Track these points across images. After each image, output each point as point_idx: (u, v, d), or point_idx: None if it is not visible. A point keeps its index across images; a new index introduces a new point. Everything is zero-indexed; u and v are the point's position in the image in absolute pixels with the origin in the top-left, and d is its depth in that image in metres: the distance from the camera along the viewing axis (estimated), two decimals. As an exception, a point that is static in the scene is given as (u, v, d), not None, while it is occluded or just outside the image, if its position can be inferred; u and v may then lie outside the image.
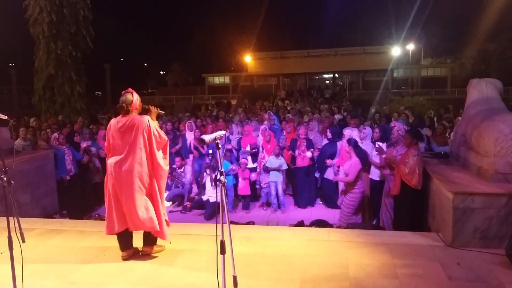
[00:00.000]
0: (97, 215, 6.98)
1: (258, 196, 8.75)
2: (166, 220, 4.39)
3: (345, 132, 7.61)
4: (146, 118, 4.22)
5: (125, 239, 4.32)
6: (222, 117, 12.66)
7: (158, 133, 4.28)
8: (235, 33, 44.45)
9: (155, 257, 4.37)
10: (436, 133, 8.68)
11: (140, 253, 4.39)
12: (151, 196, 4.26)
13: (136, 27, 45.22)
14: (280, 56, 41.43)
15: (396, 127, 6.27)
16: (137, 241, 4.46)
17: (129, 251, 4.34)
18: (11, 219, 2.85)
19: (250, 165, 8.65)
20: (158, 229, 4.23)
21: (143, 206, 4.15)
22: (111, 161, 4.21)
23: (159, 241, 4.48)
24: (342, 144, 7.79)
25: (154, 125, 4.28)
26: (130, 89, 4.32)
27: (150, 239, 4.39)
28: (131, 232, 4.34)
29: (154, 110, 4.43)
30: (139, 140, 4.14)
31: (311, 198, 8.45)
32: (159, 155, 4.27)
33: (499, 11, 28.73)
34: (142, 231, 4.34)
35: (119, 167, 4.13)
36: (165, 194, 8.66)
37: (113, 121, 4.30)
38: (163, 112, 4.69)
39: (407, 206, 5.41)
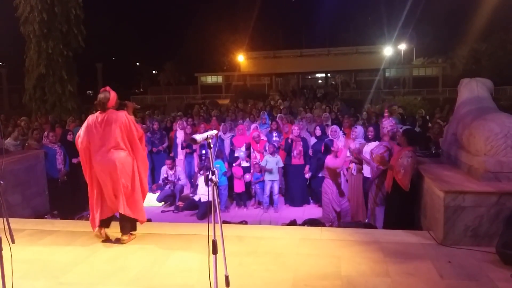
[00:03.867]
0: (88, 215, 6.91)
1: (252, 195, 8.76)
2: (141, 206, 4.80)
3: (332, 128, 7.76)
4: (123, 112, 4.66)
5: (107, 221, 4.80)
6: (216, 115, 12.64)
7: (135, 125, 4.75)
8: (228, 32, 44.40)
9: (147, 257, 4.35)
10: (434, 133, 8.66)
11: (119, 241, 4.68)
12: (132, 182, 4.67)
13: (128, 26, 44.94)
14: (273, 55, 41.44)
15: (383, 125, 6.28)
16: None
17: (103, 230, 4.75)
18: (0, 219, 2.83)
19: (244, 164, 8.65)
20: (130, 213, 4.64)
21: (125, 191, 4.59)
22: (94, 154, 4.59)
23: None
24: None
25: (131, 117, 4.73)
26: (107, 87, 4.69)
27: (127, 227, 4.72)
28: (112, 217, 4.81)
29: (131, 105, 4.90)
30: (119, 132, 4.53)
31: (304, 197, 8.47)
32: (138, 144, 4.74)
33: (491, 11, 28.99)
34: (122, 221, 4.71)
35: (103, 157, 4.53)
36: (157, 195, 8.76)
37: (91, 118, 4.67)
38: (138, 106, 5.15)
39: (397, 204, 5.44)
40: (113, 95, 4.62)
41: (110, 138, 4.52)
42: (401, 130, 6.41)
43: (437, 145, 7.50)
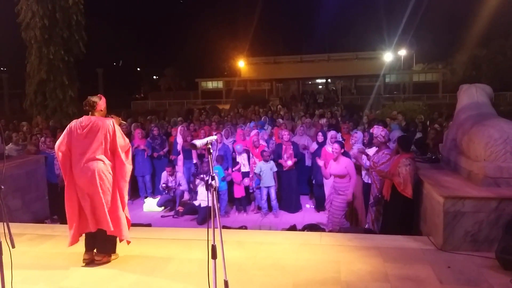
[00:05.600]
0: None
1: (251, 199, 8.76)
2: (127, 217, 4.47)
3: (332, 134, 7.70)
4: (111, 120, 4.35)
5: (89, 241, 4.38)
6: (216, 121, 12.66)
7: (122, 136, 4.42)
8: (229, 38, 44.57)
9: (147, 262, 4.35)
10: (430, 138, 8.71)
11: (93, 262, 4.33)
12: (113, 195, 4.33)
13: (129, 32, 45.09)
14: (273, 61, 41.51)
15: (374, 134, 6.28)
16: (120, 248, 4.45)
17: (91, 253, 4.35)
18: (0, 224, 2.83)
19: (245, 169, 8.65)
20: (112, 229, 4.25)
21: (106, 205, 4.23)
22: (74, 163, 4.26)
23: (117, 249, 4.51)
24: (324, 148, 7.79)
25: (118, 128, 4.42)
26: (100, 95, 4.49)
27: (105, 247, 4.38)
28: (95, 234, 4.34)
29: (117, 119, 4.56)
30: (103, 141, 4.25)
31: (297, 203, 8.46)
32: (123, 156, 4.38)
33: (490, 17, 29.08)
34: (100, 239, 4.34)
35: (84, 168, 4.20)
36: (156, 199, 8.76)
37: (74, 122, 4.36)
38: (125, 122, 4.81)
39: (396, 210, 5.43)
40: (103, 101, 4.41)
41: (93, 147, 4.21)
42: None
43: (433, 151, 7.55)
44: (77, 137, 4.25)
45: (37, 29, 15.70)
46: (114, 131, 4.30)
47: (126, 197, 4.49)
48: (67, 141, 4.29)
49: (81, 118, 4.34)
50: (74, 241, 4.31)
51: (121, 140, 4.37)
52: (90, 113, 4.35)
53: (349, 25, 46.65)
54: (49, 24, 15.74)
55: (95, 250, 4.37)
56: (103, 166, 4.24)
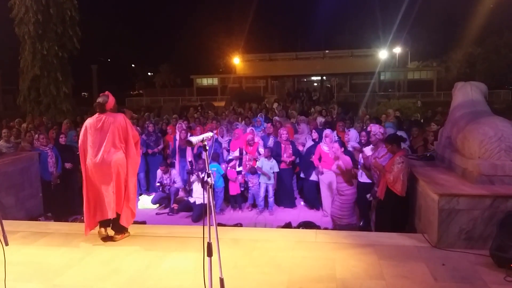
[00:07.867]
0: (82, 218, 6.88)
1: (246, 197, 8.74)
2: (131, 208, 4.88)
3: (326, 133, 7.68)
4: (122, 115, 4.79)
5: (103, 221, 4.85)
6: (212, 118, 12.61)
7: (133, 129, 4.92)
8: (224, 34, 44.44)
9: (142, 259, 4.33)
10: (412, 136, 8.78)
11: (111, 239, 4.82)
12: (124, 184, 4.78)
13: (124, 28, 44.90)
14: (268, 58, 41.48)
15: (372, 132, 6.29)
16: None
17: (106, 230, 4.81)
18: (-6, 221, 2.81)
19: (238, 168, 8.64)
20: (115, 216, 4.74)
21: (115, 194, 4.69)
22: (91, 156, 4.67)
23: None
24: (319, 146, 7.77)
25: (129, 121, 4.92)
26: (107, 92, 4.86)
27: (120, 226, 4.83)
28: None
29: (128, 112, 5.02)
30: (116, 134, 4.66)
31: (292, 199, 8.48)
32: (134, 147, 4.88)
33: (485, 15, 29.22)
34: (115, 221, 4.81)
35: (100, 159, 4.63)
36: (151, 197, 8.73)
37: (89, 120, 4.80)
38: (136, 115, 5.30)
39: (390, 209, 5.43)
40: (111, 99, 4.78)
41: (108, 139, 4.63)
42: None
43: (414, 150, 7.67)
44: (93, 133, 4.68)
45: (31, 25, 15.56)
46: (125, 125, 4.75)
47: (133, 186, 4.93)
48: (84, 138, 4.74)
49: (94, 115, 4.77)
50: (91, 228, 4.82)
51: (132, 132, 4.82)
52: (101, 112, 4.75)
53: (345, 23, 46.71)
54: (42, 19, 15.60)
55: (114, 232, 4.83)
56: (119, 157, 4.67)
